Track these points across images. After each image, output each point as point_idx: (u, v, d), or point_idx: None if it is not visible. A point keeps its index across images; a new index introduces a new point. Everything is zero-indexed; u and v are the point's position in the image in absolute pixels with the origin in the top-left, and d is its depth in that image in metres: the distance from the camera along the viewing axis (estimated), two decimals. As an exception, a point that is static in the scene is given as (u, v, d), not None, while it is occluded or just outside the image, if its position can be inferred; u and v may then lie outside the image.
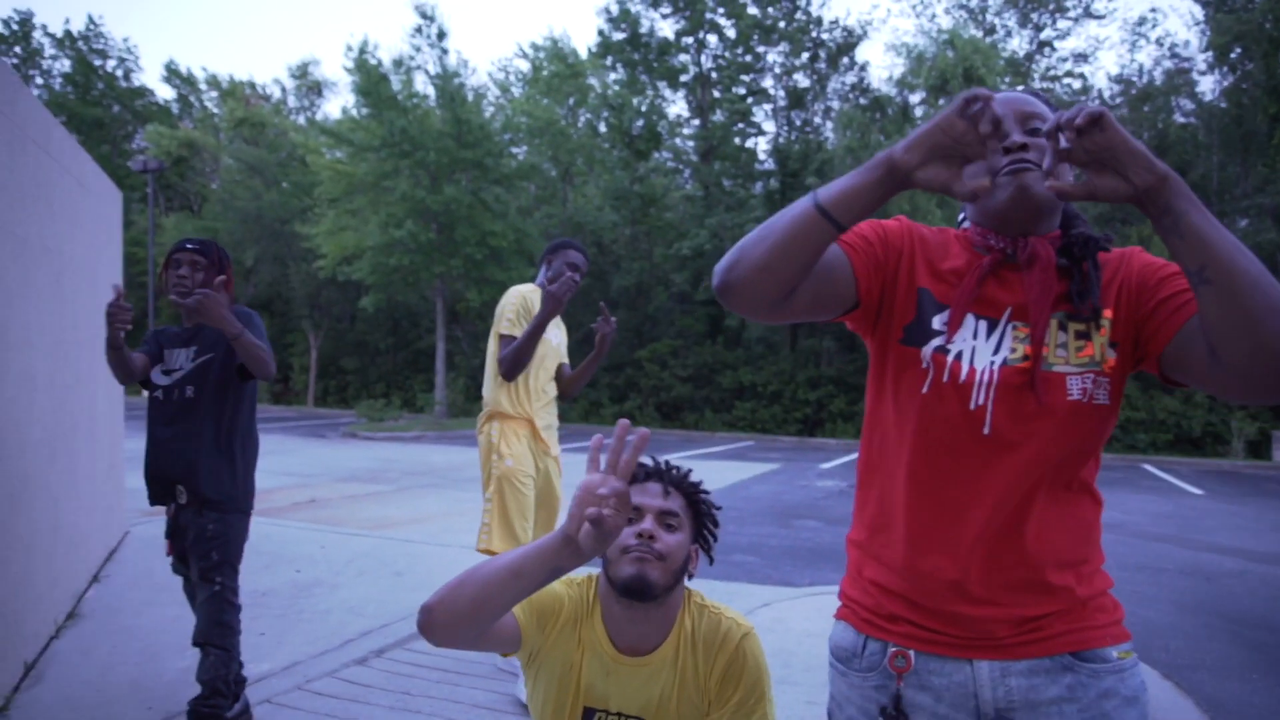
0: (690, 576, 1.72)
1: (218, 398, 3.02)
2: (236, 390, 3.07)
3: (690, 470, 1.76)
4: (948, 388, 1.26)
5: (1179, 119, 24.51)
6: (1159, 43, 25.97)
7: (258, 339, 2.91)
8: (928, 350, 1.28)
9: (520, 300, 3.62)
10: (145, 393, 3.12)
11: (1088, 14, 25.73)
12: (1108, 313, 1.27)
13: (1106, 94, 26.18)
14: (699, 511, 1.73)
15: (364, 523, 7.58)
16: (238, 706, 3.06)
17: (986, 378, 1.24)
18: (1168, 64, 24.95)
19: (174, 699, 3.37)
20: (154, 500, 3.12)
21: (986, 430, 1.23)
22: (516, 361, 3.53)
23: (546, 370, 3.77)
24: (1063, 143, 1.08)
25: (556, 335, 3.85)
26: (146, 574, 5.25)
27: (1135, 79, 25.49)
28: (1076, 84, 26.43)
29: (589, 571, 1.80)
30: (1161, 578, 6.39)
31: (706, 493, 1.76)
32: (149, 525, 6.60)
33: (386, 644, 4.09)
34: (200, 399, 3.00)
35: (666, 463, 1.75)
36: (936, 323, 1.29)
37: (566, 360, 3.96)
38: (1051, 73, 26.77)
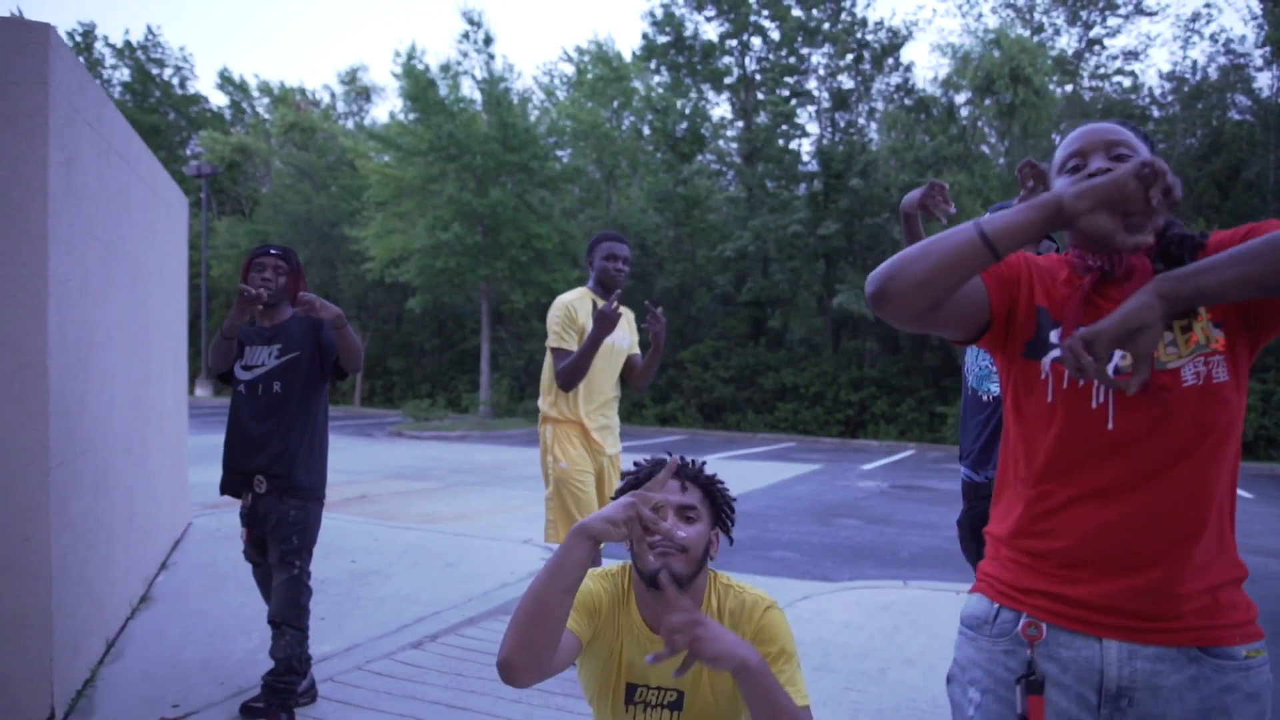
0: (711, 559, 1.87)
1: (305, 393, 3.24)
2: (319, 386, 3.29)
3: (704, 463, 1.91)
4: (1068, 392, 1.37)
5: (1234, 116, 24.00)
6: (1213, 39, 25.38)
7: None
8: (1046, 361, 1.40)
9: (564, 311, 3.72)
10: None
11: (1139, 10, 25.36)
12: None
13: (1157, 92, 25.77)
14: (715, 500, 1.88)
15: (414, 517, 7.82)
16: (304, 683, 3.27)
17: None
18: (1222, 60, 24.47)
19: (243, 676, 3.59)
20: (229, 490, 3.31)
21: (1110, 426, 1.33)
22: (572, 377, 3.65)
23: (603, 374, 3.83)
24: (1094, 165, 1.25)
25: (624, 337, 3.91)
26: (210, 563, 5.51)
27: (1189, 75, 25.02)
28: (1127, 82, 26.08)
29: (623, 562, 1.96)
30: (1205, 580, 6.36)
31: (721, 482, 1.91)
32: (210, 518, 6.90)
33: (440, 629, 4.28)
34: (288, 394, 3.21)
35: (681, 458, 1.90)
36: (1053, 337, 1.41)
37: (638, 352, 4.03)
38: (1101, 71, 26.43)
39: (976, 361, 2.98)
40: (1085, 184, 1.23)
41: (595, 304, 3.75)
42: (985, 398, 2.92)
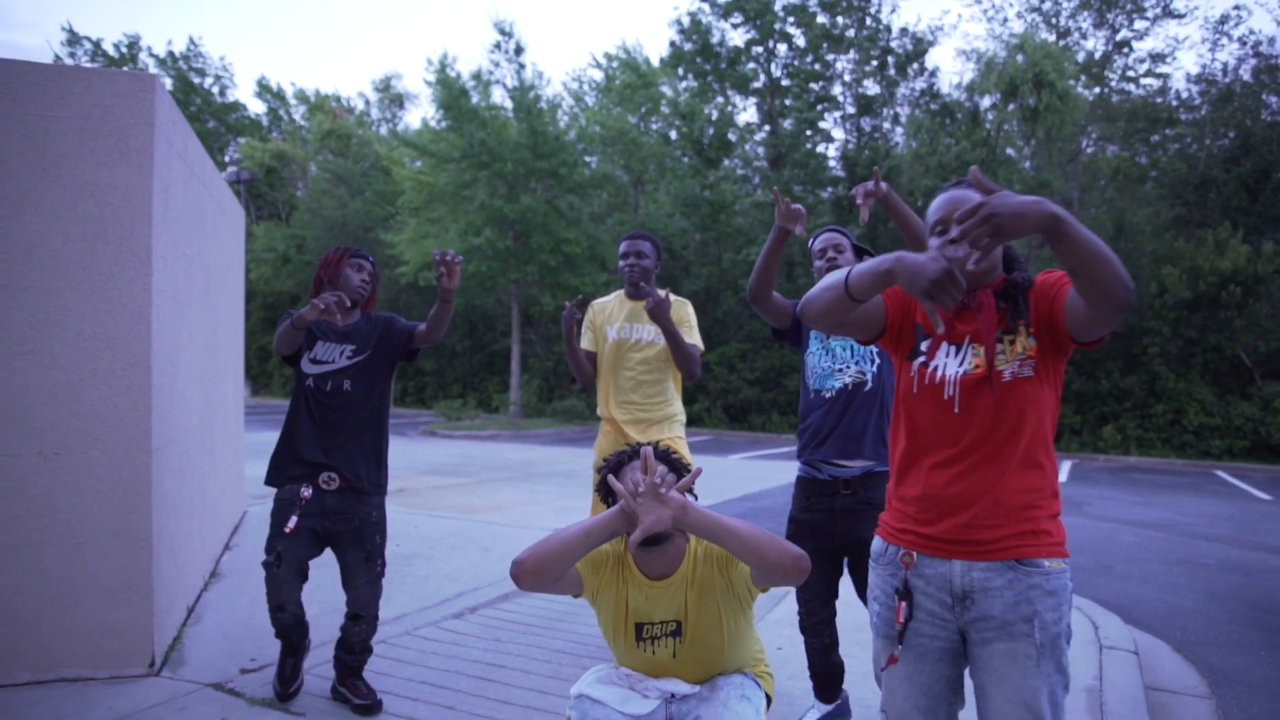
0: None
1: (373, 393, 3.36)
2: (386, 387, 3.43)
3: (658, 442, 2.40)
4: (928, 388, 1.96)
5: (1266, 117, 23.92)
6: (1241, 41, 25.30)
7: (408, 324, 3.45)
8: (915, 364, 2.00)
9: (588, 318, 4.17)
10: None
11: (1167, 13, 25.34)
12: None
13: (1185, 95, 25.75)
14: (676, 470, 2.32)
15: (450, 508, 8.30)
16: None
17: (954, 379, 1.93)
18: (1252, 62, 24.40)
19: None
20: (281, 480, 3.27)
21: (956, 410, 1.92)
22: (577, 376, 4.12)
23: (617, 370, 4.05)
24: (954, 233, 1.66)
25: (635, 332, 4.03)
26: (268, 546, 6.01)
27: (1218, 77, 24.97)
28: (1154, 84, 26.09)
29: None
30: (1199, 571, 6.68)
31: (676, 453, 2.39)
32: (263, 506, 7.39)
33: (479, 603, 4.75)
34: (358, 393, 3.30)
35: (641, 444, 2.37)
36: (923, 346, 2.01)
37: (671, 343, 3.93)
38: (1129, 74, 26.44)
39: (819, 364, 3.18)
40: (910, 264, 1.75)
41: (620, 304, 4.15)
42: (828, 394, 3.12)
